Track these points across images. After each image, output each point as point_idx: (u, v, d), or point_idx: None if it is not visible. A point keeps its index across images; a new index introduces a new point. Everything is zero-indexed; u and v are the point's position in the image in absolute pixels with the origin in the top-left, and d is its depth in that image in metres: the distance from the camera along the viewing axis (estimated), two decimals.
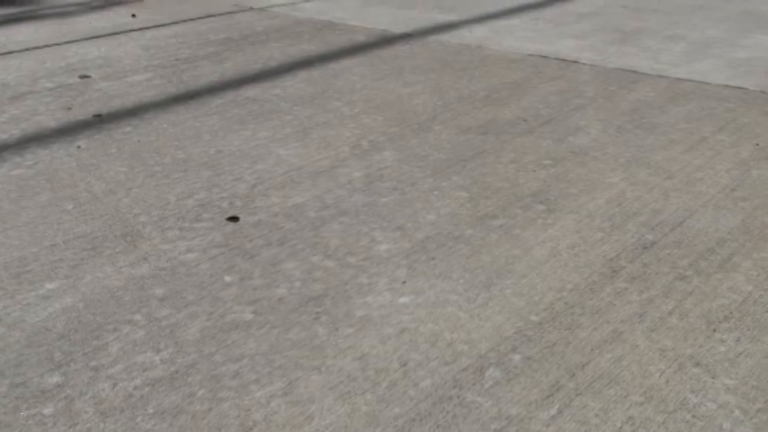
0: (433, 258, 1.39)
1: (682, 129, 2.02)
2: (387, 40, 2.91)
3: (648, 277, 1.33)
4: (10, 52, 2.65)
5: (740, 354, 1.13)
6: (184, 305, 1.25)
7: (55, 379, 1.07)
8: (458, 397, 1.03)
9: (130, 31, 2.96)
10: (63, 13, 3.22)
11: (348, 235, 1.46)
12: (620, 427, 0.98)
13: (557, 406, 1.01)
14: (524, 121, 2.07)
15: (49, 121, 2.04)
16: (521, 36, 2.97)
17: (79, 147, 1.87)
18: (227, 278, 1.32)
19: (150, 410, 1.00)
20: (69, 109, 2.13)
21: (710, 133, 1.99)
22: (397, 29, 3.06)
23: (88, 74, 2.42)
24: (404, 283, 1.31)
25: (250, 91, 2.30)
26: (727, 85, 2.37)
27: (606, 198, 1.62)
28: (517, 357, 1.12)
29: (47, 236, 1.46)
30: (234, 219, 1.53)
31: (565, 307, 1.24)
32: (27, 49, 2.68)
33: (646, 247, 1.43)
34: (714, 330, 1.19)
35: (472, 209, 1.57)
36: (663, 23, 3.21)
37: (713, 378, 1.08)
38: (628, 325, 1.20)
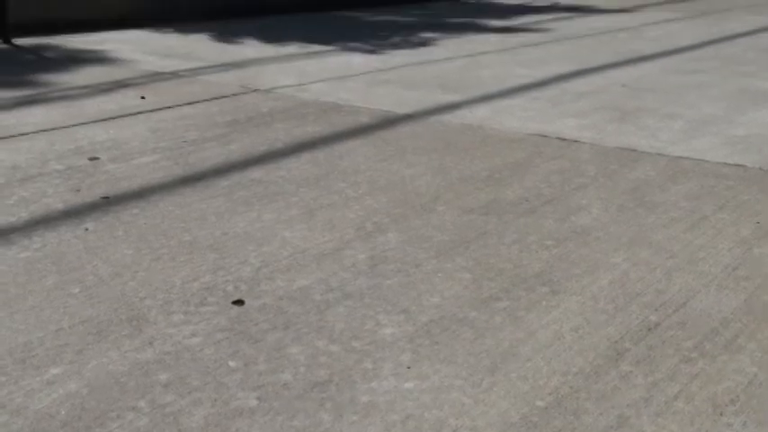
0: (438, 342, 1.39)
1: (682, 207, 2.04)
2: (390, 121, 2.96)
3: (653, 360, 1.33)
4: (22, 134, 2.70)
5: None
6: (188, 391, 1.25)
7: None
8: None
9: (139, 113, 3.02)
10: (73, 96, 3.29)
11: (353, 318, 1.47)
12: None
13: None
14: (526, 200, 2.10)
15: (58, 203, 2.07)
16: (521, 116, 3.03)
17: (87, 229, 1.90)
18: (232, 363, 1.32)
19: None
20: (78, 191, 2.16)
21: (711, 211, 2.01)
22: (401, 109, 3.11)
23: (97, 156, 2.47)
24: (408, 368, 1.31)
25: (256, 172, 2.34)
26: (725, 163, 2.40)
27: (609, 279, 1.63)
28: None
29: (52, 320, 1.46)
30: (239, 302, 1.54)
31: (570, 391, 1.24)
32: (38, 131, 2.73)
33: (650, 329, 1.43)
34: (720, 414, 1.18)
35: (476, 291, 1.58)
36: (661, 102, 3.27)
37: None
38: (633, 410, 1.20)
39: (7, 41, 4.41)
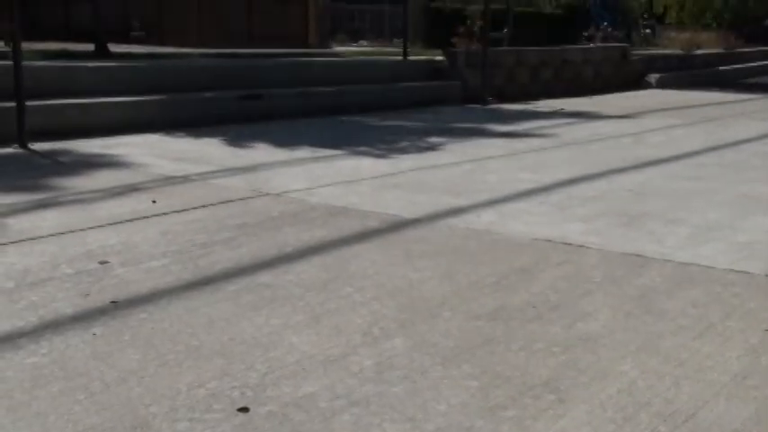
0: None
1: (690, 314, 2.04)
2: (398, 226, 2.99)
3: None
4: (34, 238, 2.74)
5: None
6: None
7: None
8: None
9: (150, 216, 3.07)
10: (85, 200, 3.35)
11: (358, 426, 1.46)
12: None
13: None
14: (533, 307, 2.10)
15: (67, 307, 2.08)
16: (528, 220, 3.06)
17: (94, 334, 1.90)
18: None
19: None
20: (87, 295, 2.18)
21: (719, 319, 2.01)
22: (409, 214, 3.15)
23: (107, 260, 2.49)
24: None
25: (264, 277, 2.35)
26: (731, 269, 2.41)
27: (617, 387, 1.62)
28: None
29: (57, 427, 1.46)
30: (244, 410, 1.53)
31: None
32: (50, 235, 2.77)
33: None
34: None
35: (483, 399, 1.57)
36: (666, 207, 3.30)
37: None
38: None
39: (24, 146, 4.52)
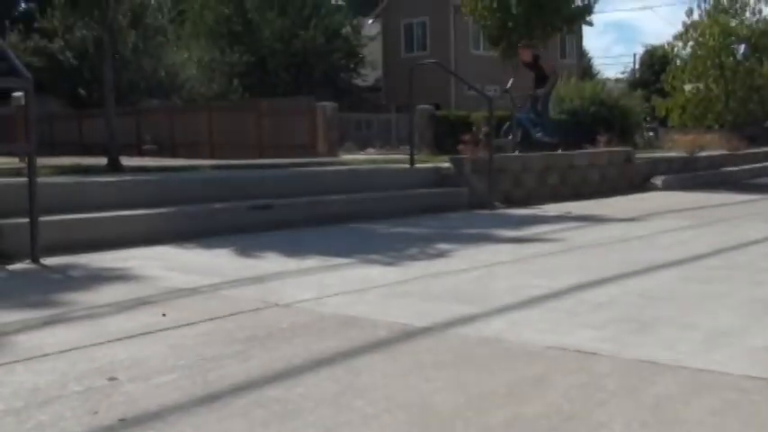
0: None
1: (708, 423, 2.00)
2: (408, 335, 2.98)
3: None
4: (44, 355, 2.73)
5: None
6: None
7: None
8: None
9: (159, 330, 3.06)
10: (95, 315, 3.35)
11: None
12: None
13: None
14: (547, 418, 2.07)
15: (75, 426, 2.06)
16: (539, 327, 3.04)
17: None
18: None
19: None
20: (95, 413, 2.16)
21: (738, 428, 1.97)
22: (418, 322, 3.14)
23: (116, 376, 2.48)
24: None
25: (274, 390, 2.33)
26: (748, 376, 2.38)
27: None
28: None
29: None
30: None
31: None
32: (60, 352, 2.76)
33: None
34: None
35: None
36: (678, 312, 3.28)
37: None
38: None
39: (36, 261, 4.56)
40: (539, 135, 11.55)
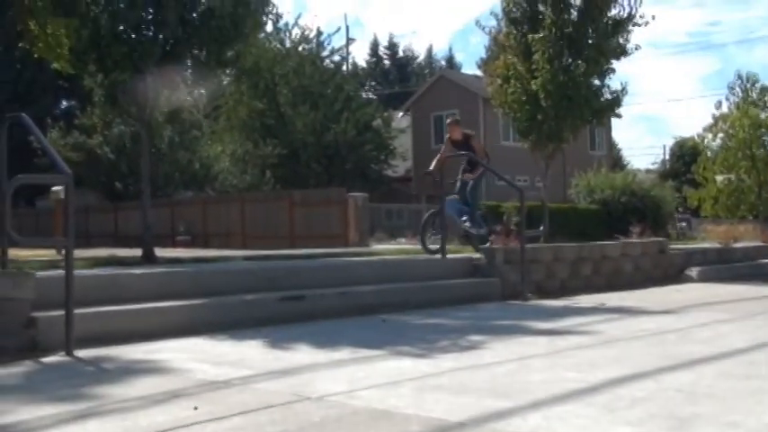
0: None
1: None
2: (442, 430, 2.92)
3: None
4: None
5: None
6: None
7: None
8: None
9: (191, 424, 3.04)
10: (127, 408, 3.34)
11: None
12: None
13: None
14: None
15: None
16: (575, 423, 2.97)
17: None
18: None
19: None
20: None
21: None
22: (453, 417, 3.09)
23: None
24: None
25: None
26: None
27: None
28: None
29: None
30: None
31: None
32: None
33: None
34: None
35: None
36: (718, 408, 3.20)
37: None
38: None
39: (70, 354, 4.58)
40: (466, 225, 10.41)
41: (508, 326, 6.03)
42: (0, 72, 33.53)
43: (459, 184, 10.64)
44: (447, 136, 10.82)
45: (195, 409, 3.28)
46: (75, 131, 30.00)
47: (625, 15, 16.62)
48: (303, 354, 4.73)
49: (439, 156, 10.53)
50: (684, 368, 4.16)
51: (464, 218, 10.44)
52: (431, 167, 10.59)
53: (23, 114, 5.43)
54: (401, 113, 39.80)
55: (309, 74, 33.11)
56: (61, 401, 3.47)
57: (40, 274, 5.20)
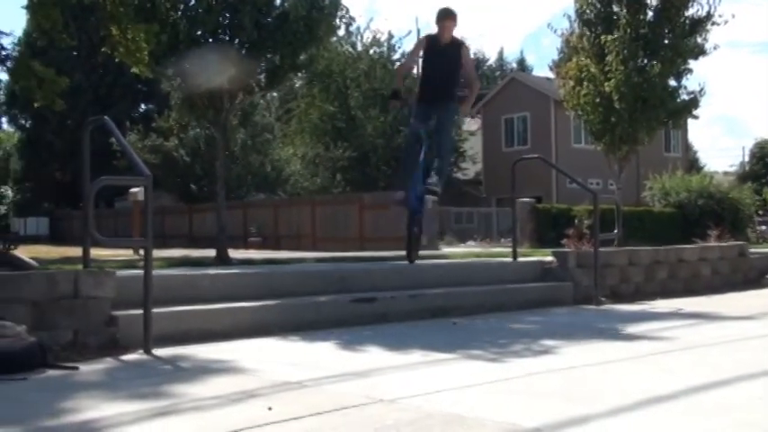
0: None
1: None
2: None
3: None
4: None
5: None
6: None
7: None
8: None
9: (266, 424, 3.08)
10: (203, 407, 3.40)
11: None
12: None
13: None
14: None
15: None
16: (655, 430, 2.90)
17: None
18: None
19: None
20: None
21: None
22: (527, 423, 3.05)
23: None
24: None
25: None
26: None
27: None
28: None
29: None
30: None
31: None
32: None
33: None
34: None
35: None
36: None
37: None
38: None
39: (148, 352, 4.68)
40: (432, 182, 7.39)
41: (581, 330, 5.93)
42: (82, 77, 34.61)
43: (430, 118, 7.32)
44: (425, 35, 7.64)
45: (269, 409, 3.32)
46: (152, 134, 30.76)
47: (704, 14, 16.25)
48: (375, 356, 4.74)
49: (404, 61, 6.96)
50: (766, 375, 4.03)
51: (433, 179, 7.30)
52: (394, 87, 7.92)
53: (106, 117, 5.58)
54: (471, 116, 39.65)
55: (380, 77, 33.27)
56: (141, 399, 3.55)
57: (120, 273, 5.33)
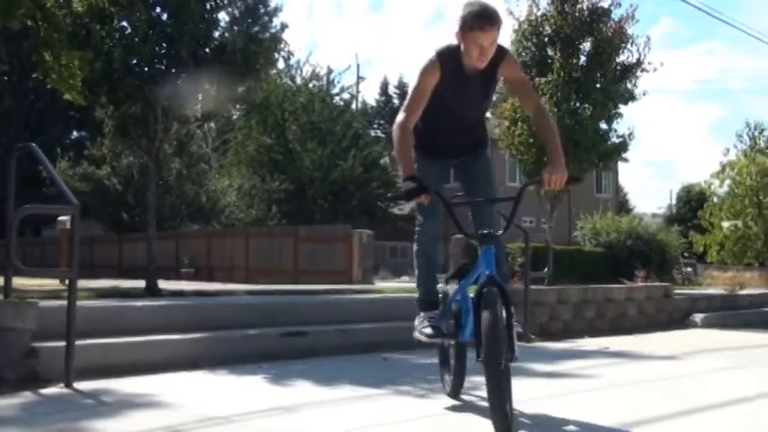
0: None
1: None
2: None
3: None
4: None
5: None
6: None
7: None
8: None
9: None
10: None
11: None
12: None
13: None
14: None
15: None
16: None
17: None
18: None
19: None
20: None
21: None
22: None
23: None
24: None
25: None
26: None
27: None
28: None
29: None
30: None
31: None
32: None
33: None
34: None
35: None
36: None
37: None
38: None
39: (69, 386, 4.56)
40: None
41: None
42: (13, 102, 33.86)
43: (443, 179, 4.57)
44: (438, 53, 4.11)
45: None
46: (84, 162, 30.18)
47: (634, 61, 16.76)
48: (304, 391, 4.70)
49: (406, 116, 4.04)
50: (690, 415, 4.12)
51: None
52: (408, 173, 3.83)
53: (33, 144, 5.46)
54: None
55: (319, 110, 33.36)
56: None
57: (43, 304, 5.19)
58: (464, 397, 4.44)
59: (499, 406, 3.33)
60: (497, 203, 4.37)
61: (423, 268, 4.40)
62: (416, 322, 4.28)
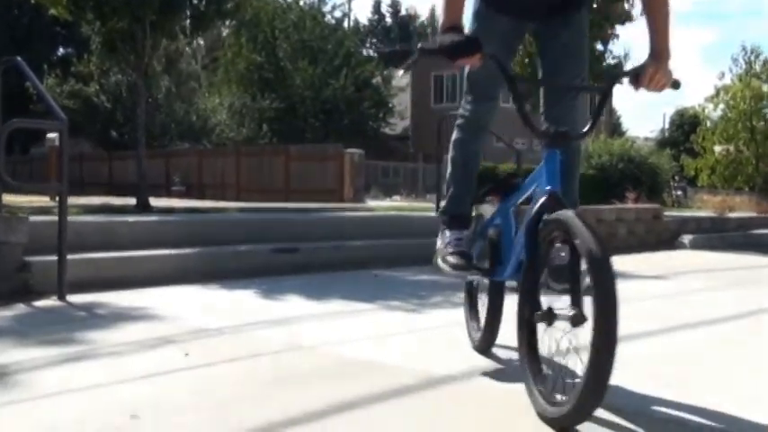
0: None
1: None
2: (431, 382, 2.94)
3: None
4: (64, 392, 2.73)
5: None
6: None
7: None
8: None
9: (181, 370, 3.05)
10: (118, 353, 3.35)
11: None
12: None
13: None
14: None
15: None
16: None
17: None
18: None
19: None
20: None
21: None
22: (442, 370, 3.10)
23: (138, 414, 2.46)
24: None
25: None
26: None
27: None
28: None
29: None
30: None
31: None
32: (81, 389, 2.76)
33: None
34: None
35: None
36: (711, 376, 3.22)
37: None
38: None
39: (62, 299, 4.58)
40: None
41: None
42: None
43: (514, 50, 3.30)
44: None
45: (186, 355, 3.29)
46: (71, 79, 29.77)
47: None
48: (295, 304, 4.74)
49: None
50: (667, 332, 4.18)
51: None
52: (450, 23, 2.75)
53: (18, 58, 5.36)
54: (401, 72, 39.56)
55: (310, 28, 32.85)
56: (52, 345, 3.47)
57: (34, 218, 5.18)
58: (445, 315, 4.49)
59: None
60: (582, 93, 3.16)
61: (459, 167, 3.31)
62: (439, 243, 3.21)
